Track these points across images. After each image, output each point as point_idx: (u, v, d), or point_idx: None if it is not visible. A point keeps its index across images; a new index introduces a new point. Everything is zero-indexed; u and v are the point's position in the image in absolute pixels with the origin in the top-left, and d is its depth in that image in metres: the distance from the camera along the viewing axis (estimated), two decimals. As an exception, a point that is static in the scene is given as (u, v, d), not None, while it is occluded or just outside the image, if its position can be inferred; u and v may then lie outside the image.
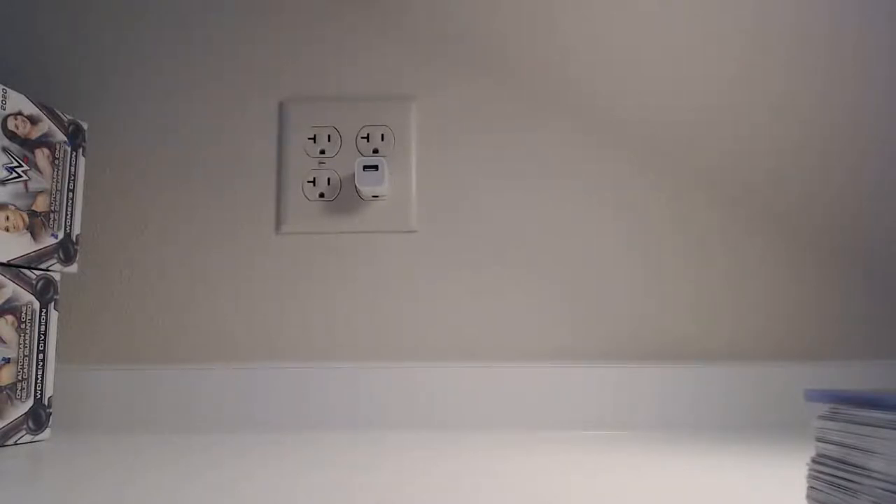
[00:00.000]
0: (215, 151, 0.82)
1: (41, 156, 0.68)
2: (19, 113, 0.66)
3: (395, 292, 0.80)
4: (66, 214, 0.71)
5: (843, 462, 0.31)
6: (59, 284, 0.70)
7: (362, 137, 0.81)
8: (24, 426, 0.65)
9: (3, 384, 0.63)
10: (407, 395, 0.76)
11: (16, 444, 0.64)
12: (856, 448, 0.30)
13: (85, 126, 0.74)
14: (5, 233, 0.64)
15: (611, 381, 0.75)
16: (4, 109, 0.64)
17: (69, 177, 0.71)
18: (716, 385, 0.75)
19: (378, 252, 0.80)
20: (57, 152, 0.70)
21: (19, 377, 0.65)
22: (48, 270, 0.69)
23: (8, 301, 0.64)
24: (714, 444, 0.63)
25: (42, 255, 0.67)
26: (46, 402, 0.68)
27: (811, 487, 0.33)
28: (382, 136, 0.81)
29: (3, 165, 0.64)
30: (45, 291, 0.68)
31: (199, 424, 0.76)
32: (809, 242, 0.79)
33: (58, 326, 0.79)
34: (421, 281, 0.80)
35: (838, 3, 0.82)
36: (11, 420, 0.64)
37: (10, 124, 0.65)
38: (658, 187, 0.80)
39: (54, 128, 0.70)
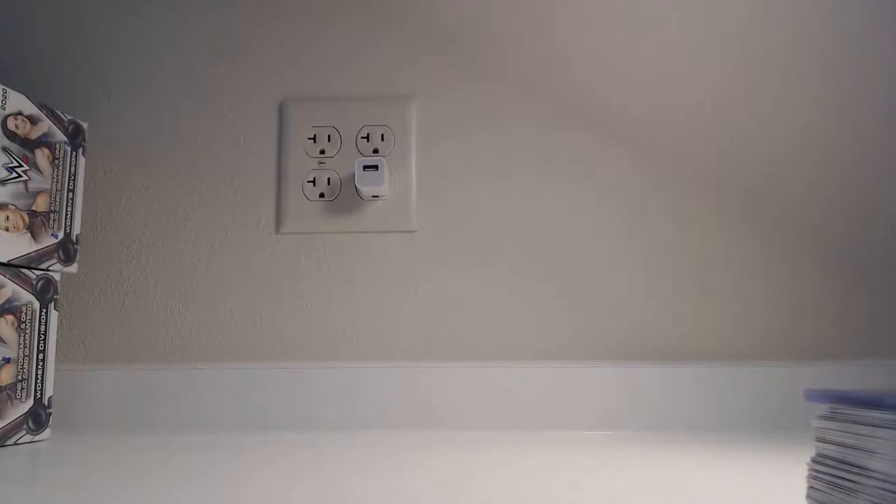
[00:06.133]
0: (215, 151, 0.82)
1: (41, 156, 0.68)
2: (19, 113, 0.66)
3: (395, 292, 0.80)
4: (66, 214, 0.71)
5: (843, 462, 0.31)
6: (59, 284, 0.70)
7: (362, 137, 0.81)
8: (24, 426, 0.65)
9: (3, 384, 0.63)
10: (407, 395, 0.76)
11: (16, 444, 0.64)
12: (855, 448, 0.30)
13: (85, 126, 0.74)
14: (5, 233, 0.64)
15: (611, 381, 0.75)
16: (4, 109, 0.64)
17: (69, 177, 0.71)
18: (716, 385, 0.75)
19: (378, 252, 0.80)
20: (57, 152, 0.70)
21: (19, 377, 0.65)
22: (48, 270, 0.69)
23: (8, 301, 0.64)
24: (714, 444, 0.63)
25: (42, 255, 0.67)
26: (46, 402, 0.68)
27: (811, 487, 0.33)
28: (382, 136, 0.81)
29: (3, 165, 0.64)
30: (45, 291, 0.68)
31: (198, 424, 0.76)
32: (809, 242, 0.79)
33: (58, 326, 0.79)
34: (421, 281, 0.80)
35: (838, 3, 0.82)
36: (11, 420, 0.64)
37: (10, 124, 0.65)
38: (658, 187, 0.80)
39: (54, 128, 0.70)
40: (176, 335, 0.80)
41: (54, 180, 0.69)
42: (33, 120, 0.67)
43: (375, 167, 0.76)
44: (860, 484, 0.29)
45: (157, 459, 0.56)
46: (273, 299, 0.80)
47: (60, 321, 0.80)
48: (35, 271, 0.67)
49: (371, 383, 0.76)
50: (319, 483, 0.46)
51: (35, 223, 0.67)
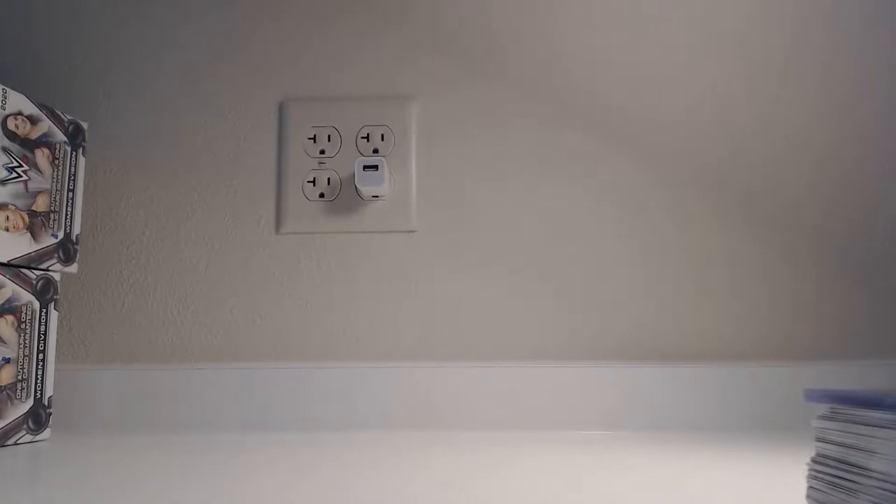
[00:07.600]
0: (215, 151, 0.82)
1: (41, 156, 0.68)
2: (19, 113, 0.66)
3: (394, 292, 0.80)
4: (66, 214, 0.71)
5: (843, 462, 0.31)
6: (59, 284, 0.70)
7: (362, 137, 0.81)
8: (24, 426, 0.65)
9: (3, 384, 0.63)
10: (406, 395, 0.76)
11: (16, 444, 0.64)
12: (855, 448, 0.30)
13: (85, 126, 0.74)
14: (5, 233, 0.64)
15: (611, 381, 0.75)
16: (4, 109, 0.64)
17: (69, 177, 0.71)
18: (716, 385, 0.75)
19: (378, 252, 0.80)
20: (57, 152, 0.70)
21: (19, 377, 0.65)
22: (48, 270, 0.69)
23: (8, 301, 0.64)
24: (714, 445, 0.63)
25: (42, 255, 0.67)
26: (46, 402, 0.68)
27: (811, 487, 0.33)
28: (382, 136, 0.81)
29: (3, 165, 0.64)
30: (45, 291, 0.68)
31: (198, 424, 0.76)
32: (809, 242, 0.79)
33: (58, 326, 0.79)
34: (421, 281, 0.80)
35: (838, 3, 0.82)
36: (11, 420, 0.64)
37: (10, 124, 0.65)
38: (659, 187, 0.80)
39: (54, 128, 0.70)
40: (176, 335, 0.80)
41: (54, 180, 0.69)
42: (33, 120, 0.67)
43: (375, 167, 0.76)
44: (860, 484, 0.29)
45: (157, 459, 0.56)
46: (273, 299, 0.80)
47: (60, 321, 0.80)
48: (35, 271, 0.67)
49: (371, 383, 0.76)
50: (319, 483, 0.46)
51: (35, 223, 0.67)
